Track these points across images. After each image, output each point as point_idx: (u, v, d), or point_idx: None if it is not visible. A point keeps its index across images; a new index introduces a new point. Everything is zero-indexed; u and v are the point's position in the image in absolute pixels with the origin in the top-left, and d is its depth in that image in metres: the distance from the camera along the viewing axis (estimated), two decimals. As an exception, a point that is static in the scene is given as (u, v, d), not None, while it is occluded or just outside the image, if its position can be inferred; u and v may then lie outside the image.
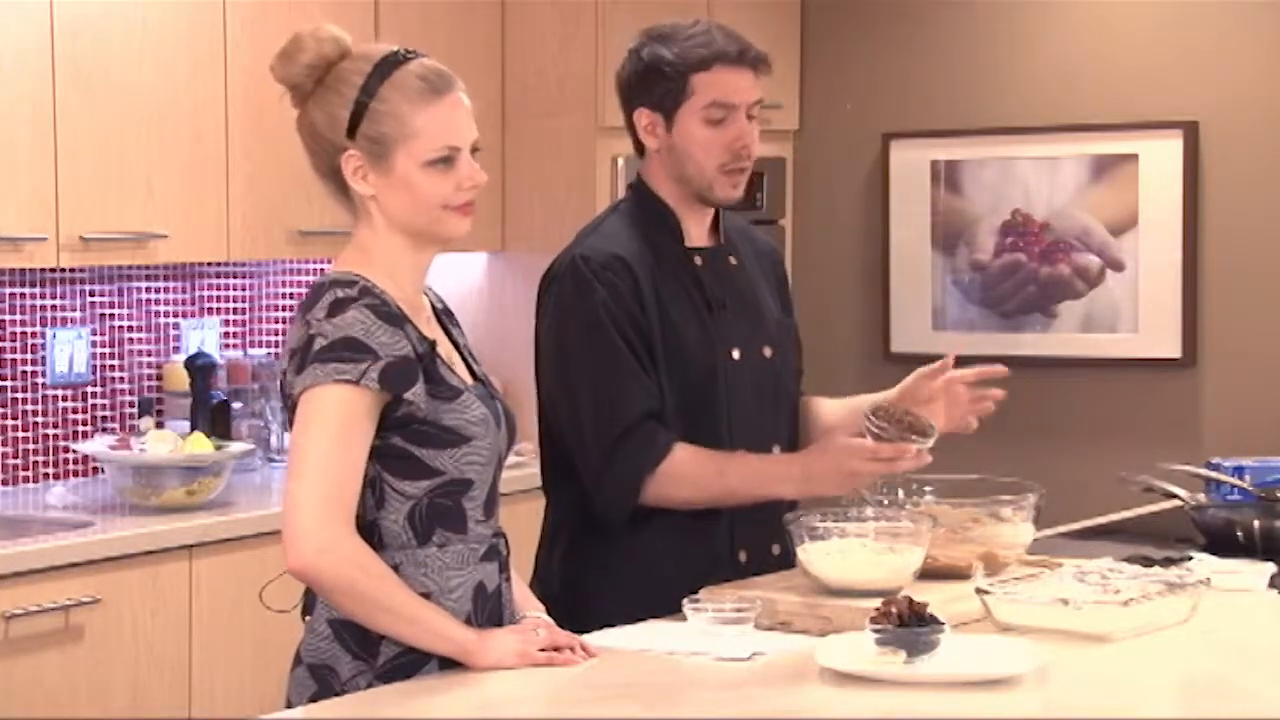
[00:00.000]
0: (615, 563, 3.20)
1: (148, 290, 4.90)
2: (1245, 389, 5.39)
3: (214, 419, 4.75)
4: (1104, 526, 4.04)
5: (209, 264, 5.00)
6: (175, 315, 4.97)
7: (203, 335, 5.02)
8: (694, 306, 3.24)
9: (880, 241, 5.87)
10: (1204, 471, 3.95)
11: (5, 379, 4.61)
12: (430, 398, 2.66)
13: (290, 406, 2.66)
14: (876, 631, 2.63)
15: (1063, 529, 3.91)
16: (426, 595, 2.68)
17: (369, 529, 2.66)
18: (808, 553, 2.96)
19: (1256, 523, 3.61)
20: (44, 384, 4.68)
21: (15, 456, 4.62)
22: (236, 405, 4.89)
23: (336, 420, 2.60)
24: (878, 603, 2.69)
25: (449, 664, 2.67)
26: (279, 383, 2.73)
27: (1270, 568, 3.25)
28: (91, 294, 4.78)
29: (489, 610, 2.75)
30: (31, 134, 4.22)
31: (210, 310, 5.06)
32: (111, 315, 4.83)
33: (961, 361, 3.30)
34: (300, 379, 2.62)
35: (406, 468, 2.67)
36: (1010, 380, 3.29)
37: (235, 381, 4.96)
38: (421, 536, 2.69)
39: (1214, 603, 3.00)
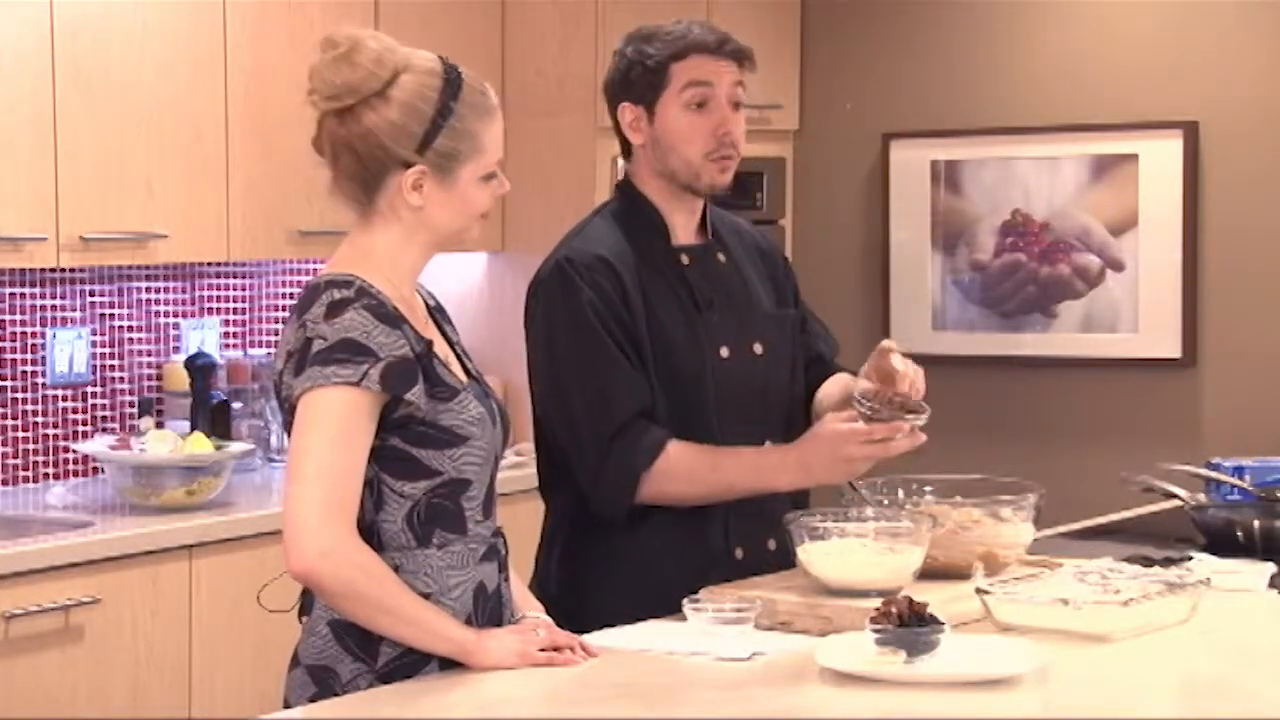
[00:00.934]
0: (613, 562, 3.20)
1: (148, 290, 4.90)
2: (1245, 389, 5.39)
3: (214, 419, 4.75)
4: (1104, 526, 4.04)
5: (209, 264, 5.00)
6: (175, 315, 4.97)
7: (203, 335, 5.02)
8: (681, 306, 3.24)
9: (880, 241, 5.87)
10: (1204, 471, 3.95)
11: (5, 379, 4.61)
12: (429, 398, 2.66)
13: (288, 409, 2.66)
14: (876, 631, 2.63)
15: (1063, 529, 3.91)
16: (427, 596, 2.68)
17: (368, 530, 2.66)
18: (808, 552, 2.96)
19: (1256, 523, 3.61)
20: (44, 384, 4.68)
21: (15, 456, 4.62)
22: (236, 405, 4.89)
23: (337, 422, 2.60)
24: (878, 603, 2.70)
25: (449, 664, 2.67)
26: (274, 384, 2.72)
27: (1270, 568, 3.25)
28: (91, 294, 4.78)
29: (489, 610, 2.75)
30: (31, 134, 4.22)
31: (210, 310, 5.06)
32: (111, 315, 4.83)
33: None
34: (299, 381, 2.62)
35: (405, 469, 2.67)
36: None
37: (235, 381, 4.96)
38: (421, 537, 2.69)
39: (1214, 603, 3.00)
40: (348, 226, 2.79)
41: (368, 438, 2.63)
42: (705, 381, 3.22)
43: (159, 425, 4.66)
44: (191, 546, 4.15)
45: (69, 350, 4.72)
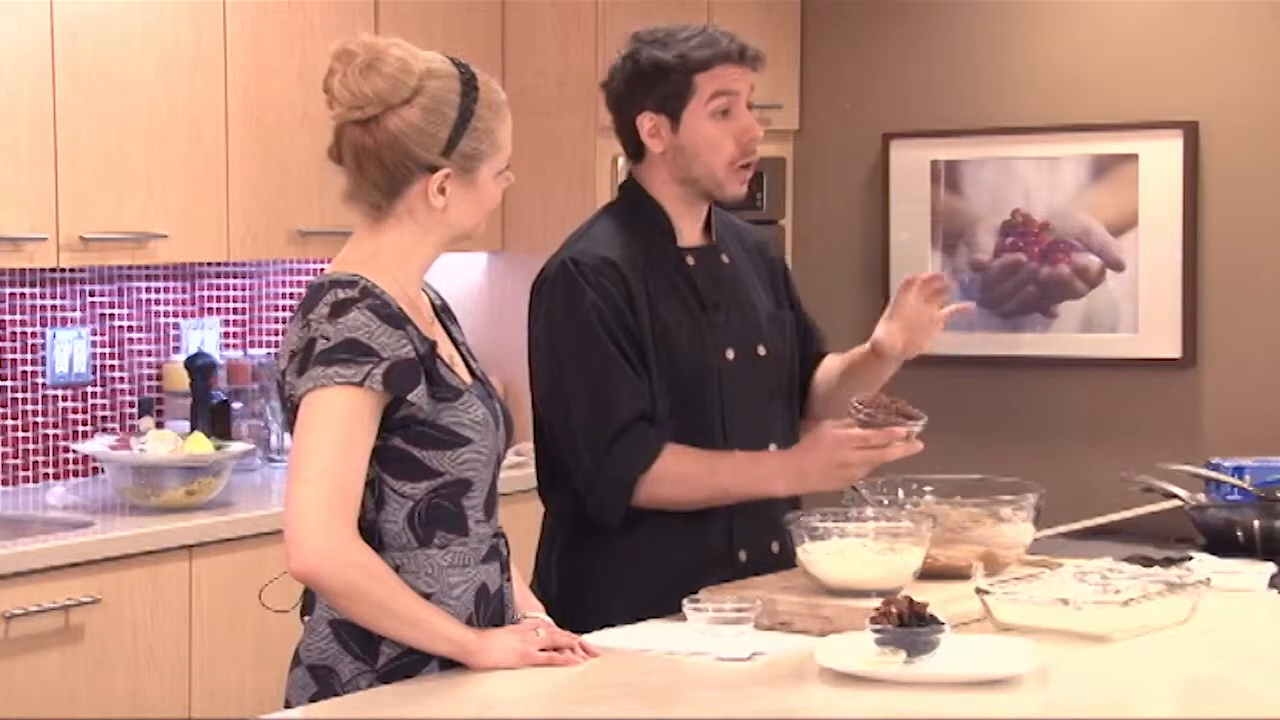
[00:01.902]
0: (613, 563, 3.20)
1: (148, 290, 4.90)
2: (1245, 389, 5.39)
3: (214, 419, 4.75)
4: (1104, 526, 4.04)
5: (209, 264, 5.00)
6: (175, 315, 4.97)
7: (203, 335, 5.02)
8: (686, 307, 3.23)
9: (880, 241, 5.87)
10: (1204, 471, 3.95)
11: (5, 379, 4.61)
12: (431, 399, 2.66)
13: (290, 408, 2.65)
14: (876, 631, 2.63)
15: (1063, 529, 3.91)
16: (428, 596, 2.68)
17: (369, 530, 2.66)
18: (808, 552, 2.96)
19: (1256, 523, 3.61)
20: (44, 384, 4.68)
21: (15, 456, 4.62)
22: (236, 405, 4.89)
23: (339, 423, 2.60)
24: (878, 603, 2.70)
25: (449, 664, 2.67)
26: (277, 384, 2.72)
27: (1270, 568, 3.25)
28: (91, 294, 4.78)
29: (491, 611, 2.75)
30: (31, 134, 4.22)
31: (210, 310, 5.06)
32: (111, 315, 4.83)
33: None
34: (302, 381, 2.62)
35: (406, 469, 2.67)
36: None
37: (235, 381, 4.96)
38: (422, 538, 2.69)
39: (1214, 603, 3.00)
40: (349, 226, 2.79)
41: (370, 438, 2.63)
42: (711, 383, 3.22)
43: (159, 425, 4.66)
44: (191, 546, 4.15)
45: (69, 350, 4.72)
